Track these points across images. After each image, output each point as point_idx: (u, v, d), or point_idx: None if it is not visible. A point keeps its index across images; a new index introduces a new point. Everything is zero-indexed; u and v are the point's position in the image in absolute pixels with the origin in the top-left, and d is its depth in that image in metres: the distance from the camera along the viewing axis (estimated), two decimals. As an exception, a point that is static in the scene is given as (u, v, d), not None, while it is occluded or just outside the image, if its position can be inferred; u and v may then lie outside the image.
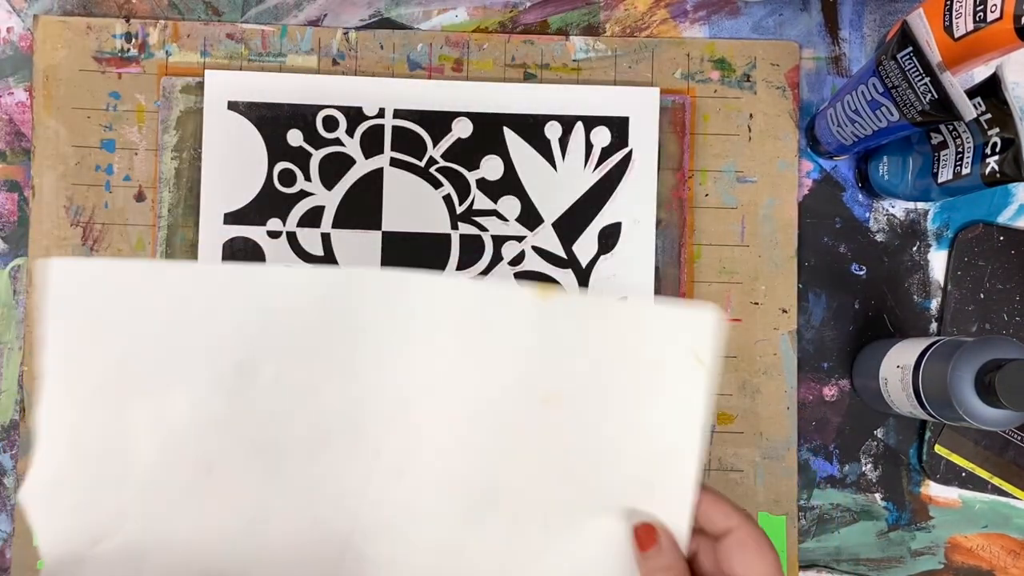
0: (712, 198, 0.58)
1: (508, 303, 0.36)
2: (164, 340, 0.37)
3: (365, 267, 0.37)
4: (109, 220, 0.57)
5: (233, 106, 0.56)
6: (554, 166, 0.57)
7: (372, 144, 0.57)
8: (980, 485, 0.57)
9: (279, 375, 0.37)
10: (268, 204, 0.56)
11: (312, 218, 0.56)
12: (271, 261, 0.56)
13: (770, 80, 0.58)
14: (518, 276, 0.57)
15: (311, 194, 0.56)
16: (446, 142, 0.57)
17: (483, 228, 0.57)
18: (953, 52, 0.49)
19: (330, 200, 0.57)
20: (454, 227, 0.57)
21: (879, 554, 0.57)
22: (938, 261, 0.59)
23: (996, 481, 0.57)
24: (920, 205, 0.59)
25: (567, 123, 0.57)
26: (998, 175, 0.48)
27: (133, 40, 0.57)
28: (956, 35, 0.49)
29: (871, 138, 0.52)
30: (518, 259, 0.57)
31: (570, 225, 0.57)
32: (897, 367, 0.51)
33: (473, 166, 0.57)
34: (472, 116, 0.57)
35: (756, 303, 0.57)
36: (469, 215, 0.57)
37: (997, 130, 0.48)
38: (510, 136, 0.57)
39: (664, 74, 0.58)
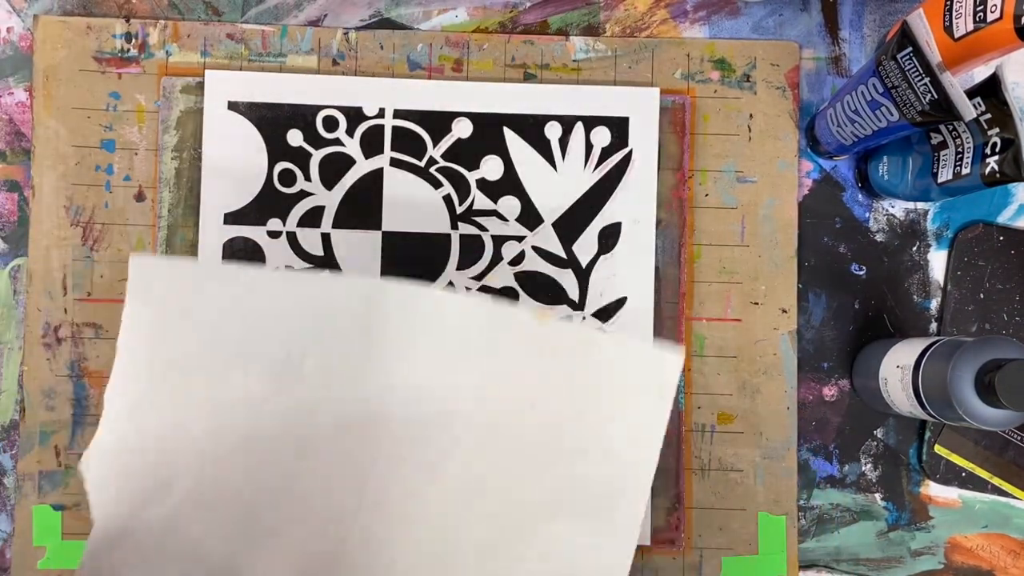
0: (712, 198, 0.58)
1: (509, 326, 0.42)
2: (224, 331, 0.42)
3: (393, 280, 0.44)
4: (109, 220, 0.57)
5: (233, 106, 0.56)
6: (554, 166, 0.57)
7: (372, 144, 0.57)
8: (980, 485, 0.57)
9: (317, 368, 0.42)
10: (268, 204, 0.56)
11: (312, 218, 0.56)
12: (271, 262, 0.56)
13: (770, 80, 0.58)
14: (518, 276, 0.57)
15: (311, 194, 0.56)
16: (446, 142, 0.57)
17: (483, 228, 0.57)
18: (953, 52, 0.49)
19: (330, 200, 0.57)
20: (454, 227, 0.57)
21: (879, 554, 0.57)
22: (938, 261, 0.59)
23: (996, 481, 0.57)
24: (920, 205, 0.59)
25: (567, 123, 0.57)
26: (998, 175, 0.48)
27: (133, 40, 0.57)
28: (956, 35, 0.49)
29: (871, 138, 0.52)
30: (518, 259, 0.57)
31: (570, 225, 0.57)
32: (897, 367, 0.51)
33: (473, 166, 0.57)
34: (472, 116, 0.57)
35: (756, 303, 0.57)
36: (469, 215, 0.57)
37: (997, 130, 0.48)
38: (510, 136, 0.57)
39: (664, 74, 0.58)
